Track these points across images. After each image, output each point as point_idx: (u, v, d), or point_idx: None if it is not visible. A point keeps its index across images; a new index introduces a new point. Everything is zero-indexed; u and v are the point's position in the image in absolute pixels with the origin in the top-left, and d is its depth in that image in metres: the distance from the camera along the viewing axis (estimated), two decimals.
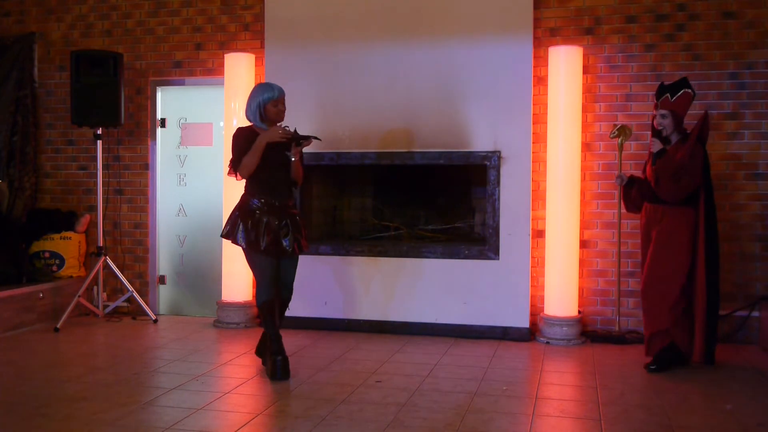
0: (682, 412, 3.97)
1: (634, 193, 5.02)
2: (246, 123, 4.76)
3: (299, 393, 4.25)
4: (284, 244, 4.57)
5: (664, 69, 5.77)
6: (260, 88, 4.63)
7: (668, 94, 4.75)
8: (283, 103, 4.66)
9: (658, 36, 5.79)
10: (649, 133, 5.77)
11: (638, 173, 5.18)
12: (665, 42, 5.78)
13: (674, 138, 4.80)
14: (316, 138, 4.57)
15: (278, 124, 4.54)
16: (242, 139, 4.56)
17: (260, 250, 4.51)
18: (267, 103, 4.58)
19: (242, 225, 4.54)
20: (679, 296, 4.72)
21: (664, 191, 4.71)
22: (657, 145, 4.80)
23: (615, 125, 5.27)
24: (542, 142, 5.84)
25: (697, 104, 5.70)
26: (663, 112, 4.77)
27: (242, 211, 4.60)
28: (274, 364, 4.53)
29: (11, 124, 6.87)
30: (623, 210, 5.31)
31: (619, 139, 5.31)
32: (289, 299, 4.79)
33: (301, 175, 4.72)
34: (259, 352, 4.84)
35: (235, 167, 4.58)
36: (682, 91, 4.74)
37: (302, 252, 4.71)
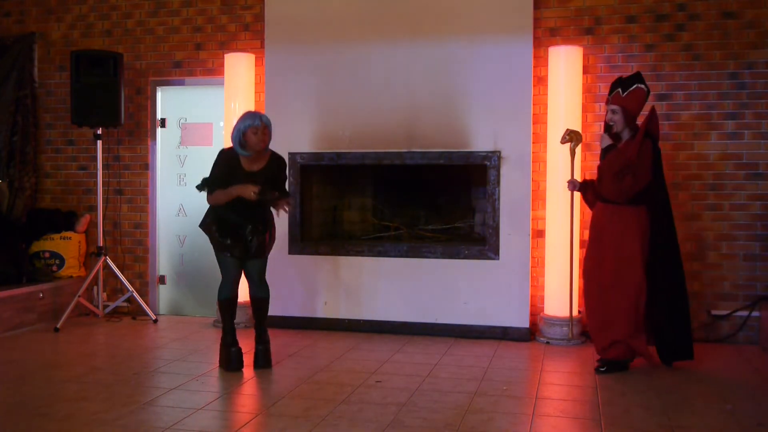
0: (682, 412, 3.97)
1: (589, 196, 4.95)
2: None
3: (299, 393, 4.25)
4: (250, 246, 4.75)
5: (664, 69, 5.77)
6: (246, 115, 4.66)
7: (620, 89, 4.65)
8: (266, 133, 4.63)
9: (658, 36, 5.79)
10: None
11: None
12: (665, 42, 5.78)
13: (625, 135, 4.69)
14: (286, 199, 4.59)
15: (252, 191, 4.53)
16: (223, 163, 4.68)
17: (226, 249, 4.71)
18: (247, 130, 4.58)
19: (216, 226, 4.74)
20: (635, 302, 4.63)
21: (607, 189, 4.62)
22: (605, 141, 4.70)
23: (567, 130, 5.16)
24: (542, 142, 5.84)
25: (698, 104, 5.72)
26: (613, 107, 4.66)
27: (216, 211, 4.75)
28: (229, 354, 4.73)
29: (11, 124, 6.87)
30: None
31: (571, 144, 5.13)
32: (265, 297, 4.91)
33: (285, 200, 4.75)
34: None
35: (208, 189, 4.70)
36: (634, 87, 4.62)
37: (265, 253, 4.87)
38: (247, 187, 4.54)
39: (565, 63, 5.68)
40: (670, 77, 5.77)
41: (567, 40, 5.85)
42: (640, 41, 5.81)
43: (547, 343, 5.60)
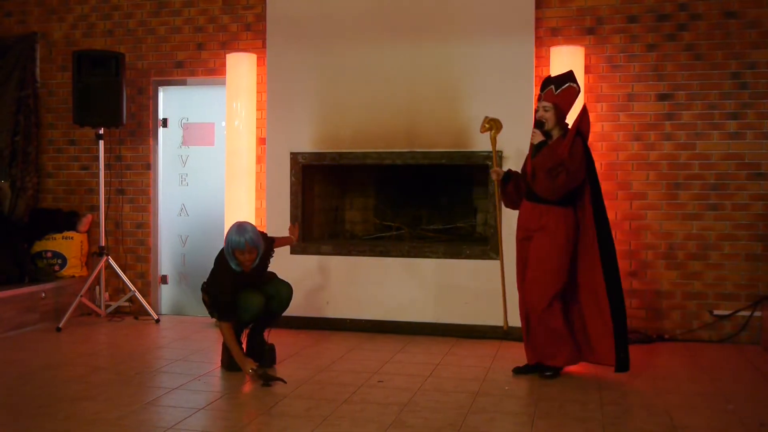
0: (684, 413, 3.97)
1: (510, 188, 4.81)
2: None
3: (301, 393, 4.25)
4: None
5: (666, 69, 5.77)
6: (234, 231, 4.62)
7: (552, 87, 4.57)
8: (252, 254, 4.62)
9: (660, 36, 5.79)
10: (653, 133, 5.79)
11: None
12: (667, 42, 5.77)
13: (556, 133, 4.60)
14: (281, 380, 4.42)
15: (251, 370, 4.48)
16: (228, 281, 4.63)
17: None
18: (235, 250, 4.60)
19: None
20: (560, 305, 4.54)
21: (540, 187, 4.50)
22: (538, 137, 4.58)
23: (486, 118, 4.91)
24: None
25: (700, 104, 5.72)
26: (545, 104, 4.56)
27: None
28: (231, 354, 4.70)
29: (13, 124, 6.87)
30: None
31: (491, 133, 4.93)
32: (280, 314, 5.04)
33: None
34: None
35: (220, 316, 4.62)
36: (567, 85, 4.54)
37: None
38: (246, 365, 4.48)
39: (567, 63, 5.67)
40: (672, 77, 5.77)
41: (569, 40, 5.85)
42: (642, 41, 5.81)
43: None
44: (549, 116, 4.57)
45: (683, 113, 5.76)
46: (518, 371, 4.71)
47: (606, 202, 5.77)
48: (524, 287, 4.64)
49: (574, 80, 4.59)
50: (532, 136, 4.62)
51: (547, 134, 4.60)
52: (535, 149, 4.60)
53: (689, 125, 5.75)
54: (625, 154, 5.83)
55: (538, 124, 4.60)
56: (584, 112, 4.56)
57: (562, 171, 4.42)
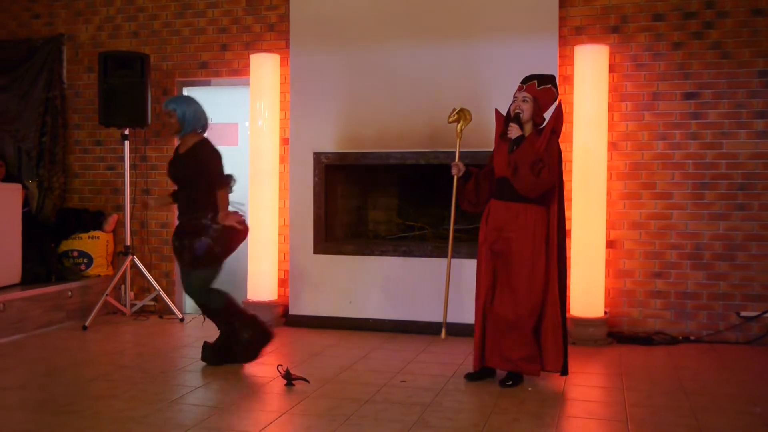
0: (711, 414, 3.92)
1: (470, 185, 4.65)
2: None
3: (324, 392, 4.26)
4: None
5: (692, 67, 5.71)
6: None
7: (536, 81, 4.47)
8: (168, 117, 4.82)
9: (686, 34, 5.72)
10: (678, 132, 5.73)
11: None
12: (693, 40, 5.71)
13: (528, 128, 4.48)
14: (305, 380, 4.42)
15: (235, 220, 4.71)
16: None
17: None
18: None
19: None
20: (541, 309, 4.42)
21: (523, 183, 4.32)
22: (516, 131, 4.41)
23: (454, 108, 4.71)
24: (568, 142, 5.79)
25: (726, 102, 5.65)
26: (526, 95, 4.44)
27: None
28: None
29: (40, 125, 6.96)
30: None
31: (458, 125, 4.72)
32: (200, 306, 4.90)
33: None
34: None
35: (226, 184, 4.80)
36: (549, 86, 4.47)
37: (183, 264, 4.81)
38: (228, 216, 4.67)
39: (591, 62, 5.64)
40: (698, 75, 5.70)
41: (593, 39, 5.81)
42: (668, 39, 5.75)
43: (573, 343, 5.55)
44: (527, 107, 4.44)
45: (709, 112, 5.69)
46: (472, 377, 4.54)
47: (630, 202, 5.80)
48: (503, 294, 4.42)
49: (556, 86, 4.53)
50: (510, 130, 4.44)
51: (521, 128, 4.46)
52: (513, 144, 4.43)
53: (716, 124, 5.68)
54: (650, 154, 5.78)
55: (515, 117, 4.46)
56: (560, 112, 4.47)
57: (543, 166, 4.29)
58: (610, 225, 5.80)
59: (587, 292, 5.63)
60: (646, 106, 5.79)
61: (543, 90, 4.45)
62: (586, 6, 5.87)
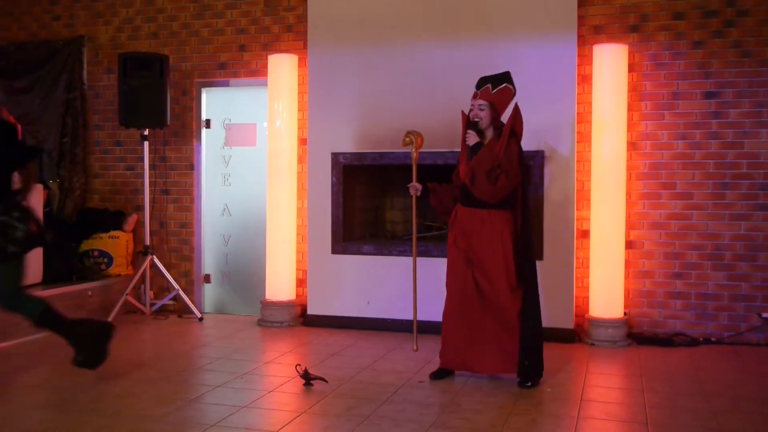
0: (732, 417, 3.89)
1: (433, 202, 4.74)
2: None
3: (342, 392, 4.27)
4: None
5: (713, 66, 5.66)
6: None
7: (489, 85, 4.45)
8: None
9: (706, 33, 5.68)
10: (699, 132, 5.68)
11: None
12: (713, 39, 5.66)
13: (489, 133, 4.48)
14: (323, 380, 4.42)
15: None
16: None
17: None
18: None
19: None
20: (507, 317, 4.41)
21: (480, 190, 4.35)
22: (473, 138, 4.42)
23: (407, 132, 4.87)
24: (587, 142, 5.77)
25: (747, 102, 5.60)
26: (482, 103, 4.43)
27: None
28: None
29: (61, 126, 7.03)
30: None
31: (412, 146, 4.85)
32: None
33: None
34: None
35: None
36: (503, 85, 4.44)
37: None
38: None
39: (610, 61, 5.61)
40: (719, 74, 5.65)
41: (612, 38, 5.77)
42: (688, 38, 5.71)
43: (592, 344, 5.53)
44: (484, 115, 4.44)
45: (730, 111, 5.64)
46: (436, 376, 4.56)
47: (650, 202, 5.76)
48: (484, 298, 4.44)
49: (511, 81, 4.49)
50: (467, 137, 4.46)
51: (480, 134, 4.47)
52: (471, 151, 4.45)
53: (737, 123, 5.63)
54: (670, 154, 5.74)
55: (472, 124, 4.47)
56: (517, 112, 4.45)
57: (501, 173, 4.30)
58: (630, 225, 5.76)
59: (606, 292, 5.59)
60: (666, 105, 5.75)
61: (498, 92, 4.44)
62: (605, 5, 5.84)
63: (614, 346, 5.48)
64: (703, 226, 5.68)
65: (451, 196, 4.67)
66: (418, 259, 5.93)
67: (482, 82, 4.51)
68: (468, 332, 4.50)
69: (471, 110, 4.51)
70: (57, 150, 7.02)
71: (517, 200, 4.45)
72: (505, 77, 4.50)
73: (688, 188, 5.71)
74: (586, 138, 5.77)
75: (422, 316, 5.94)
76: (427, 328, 5.93)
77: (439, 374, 4.60)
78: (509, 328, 4.41)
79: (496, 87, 4.44)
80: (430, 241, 6.27)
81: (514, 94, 4.53)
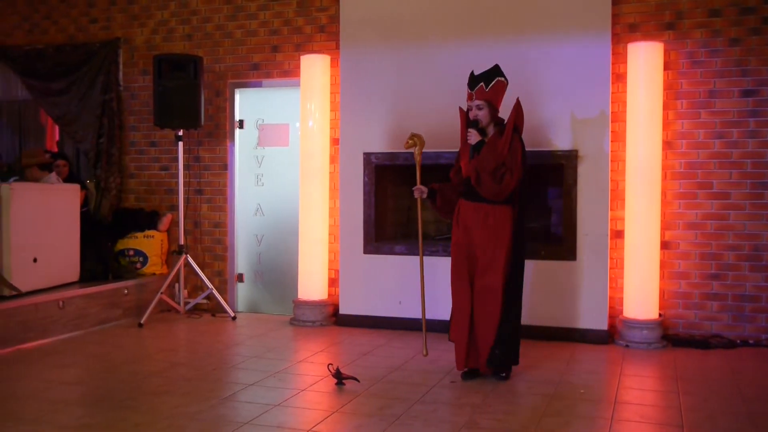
0: None
1: (439, 203, 4.75)
2: None
3: (374, 392, 4.28)
4: None
5: (750, 64, 5.56)
6: None
7: (483, 84, 4.44)
8: None
9: (744, 30, 5.58)
10: (736, 130, 5.59)
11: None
12: (751, 36, 5.56)
13: (491, 130, 4.49)
14: (355, 379, 4.43)
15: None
16: None
17: None
18: None
19: None
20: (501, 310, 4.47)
21: (486, 189, 4.39)
22: (475, 137, 4.44)
23: (410, 134, 4.89)
24: (621, 141, 5.71)
25: None
26: (479, 103, 4.46)
27: None
28: None
29: (98, 127, 7.15)
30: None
31: (415, 149, 4.85)
32: None
33: None
34: None
35: None
36: (496, 80, 4.44)
37: None
38: None
39: (645, 59, 5.54)
40: (757, 72, 5.56)
41: (647, 36, 5.70)
42: (725, 35, 5.62)
43: (627, 346, 5.47)
44: (483, 114, 4.48)
45: None
46: (468, 376, 4.56)
47: (685, 202, 5.69)
48: (484, 294, 4.48)
49: (502, 74, 4.50)
50: (469, 136, 4.49)
51: (482, 132, 4.49)
52: (473, 149, 4.46)
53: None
54: (706, 153, 5.65)
55: (473, 123, 4.48)
56: (519, 108, 4.46)
57: (506, 171, 4.35)
58: (665, 226, 5.69)
59: (641, 293, 5.53)
60: (702, 104, 5.66)
61: (492, 88, 4.47)
62: (640, 2, 5.77)
63: (649, 347, 5.41)
64: (740, 227, 5.59)
65: (456, 193, 4.70)
66: (441, 259, 5.92)
67: (475, 81, 4.52)
68: (471, 330, 4.54)
69: (469, 110, 4.54)
70: (94, 150, 7.14)
71: (516, 197, 4.50)
72: (496, 71, 4.52)
73: (725, 188, 5.62)
74: (621, 137, 5.71)
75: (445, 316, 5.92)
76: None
77: (470, 374, 4.58)
78: (493, 322, 4.46)
79: (490, 83, 4.47)
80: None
81: (507, 84, 4.55)
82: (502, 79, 4.51)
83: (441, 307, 5.93)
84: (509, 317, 4.48)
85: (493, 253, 4.46)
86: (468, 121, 4.56)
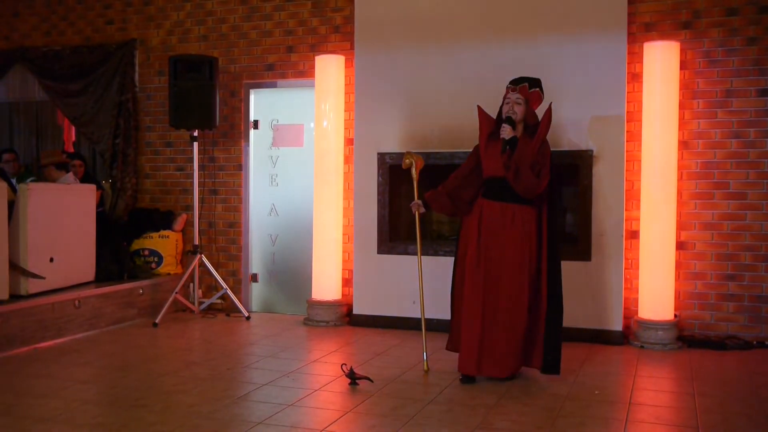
0: None
1: (435, 208, 4.77)
2: None
3: (387, 392, 4.27)
4: None
5: None
6: None
7: (527, 84, 4.49)
8: None
9: (761, 29, 5.53)
10: (753, 130, 5.55)
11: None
12: None
13: (519, 129, 4.49)
14: (369, 379, 4.42)
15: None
16: None
17: None
18: None
19: None
20: (528, 314, 4.44)
21: (524, 182, 4.34)
22: (509, 132, 4.41)
23: (406, 153, 5.00)
24: (637, 141, 5.67)
25: None
26: (519, 97, 4.48)
27: None
28: None
29: (114, 128, 7.19)
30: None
31: (412, 168, 4.92)
32: None
33: None
34: None
35: None
36: (536, 89, 4.51)
37: None
38: None
39: (661, 59, 5.51)
40: None
41: (663, 35, 5.67)
42: (742, 34, 5.57)
43: (642, 347, 5.44)
44: (520, 109, 4.50)
45: None
46: (468, 381, 4.48)
47: (702, 203, 5.65)
48: (507, 293, 4.42)
49: (542, 89, 4.57)
50: (502, 130, 4.46)
51: (514, 128, 4.49)
52: (505, 145, 4.43)
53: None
54: (723, 153, 5.61)
55: (507, 119, 4.48)
56: (550, 116, 4.48)
57: (541, 167, 4.38)
58: (681, 226, 5.65)
59: (656, 294, 5.49)
60: (719, 103, 5.62)
61: (534, 93, 4.53)
62: (656, 2, 5.73)
63: (664, 348, 5.38)
64: (757, 227, 5.54)
65: (445, 194, 4.69)
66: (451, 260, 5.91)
67: (520, 80, 4.59)
68: (485, 335, 4.46)
69: (506, 104, 4.54)
70: (110, 151, 7.19)
71: (544, 198, 4.48)
72: (538, 82, 4.58)
73: (742, 188, 5.58)
74: (636, 137, 5.68)
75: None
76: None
77: (469, 379, 4.49)
78: (521, 326, 4.42)
79: (532, 88, 4.53)
80: None
81: (542, 100, 4.59)
82: (541, 93, 4.57)
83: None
84: (556, 318, 4.45)
85: (522, 258, 4.42)
86: (499, 119, 4.56)
